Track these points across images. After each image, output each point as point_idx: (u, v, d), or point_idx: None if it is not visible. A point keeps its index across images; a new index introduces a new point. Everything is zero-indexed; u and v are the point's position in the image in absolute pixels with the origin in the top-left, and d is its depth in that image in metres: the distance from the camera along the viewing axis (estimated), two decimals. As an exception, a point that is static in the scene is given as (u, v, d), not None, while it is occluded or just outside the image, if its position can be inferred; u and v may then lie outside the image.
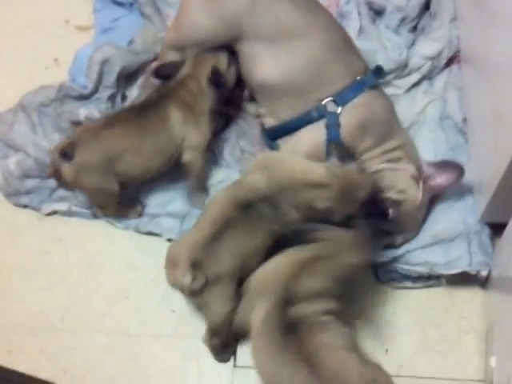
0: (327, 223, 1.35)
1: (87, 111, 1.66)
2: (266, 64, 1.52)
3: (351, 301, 1.50)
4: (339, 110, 1.50)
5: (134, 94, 1.73)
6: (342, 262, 1.30)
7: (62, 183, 1.54)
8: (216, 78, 1.55)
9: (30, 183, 1.65)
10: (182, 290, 1.36)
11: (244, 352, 1.48)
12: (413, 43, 1.75)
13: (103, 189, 1.52)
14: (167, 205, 1.63)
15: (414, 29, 1.78)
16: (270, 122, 1.60)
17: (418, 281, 1.51)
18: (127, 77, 1.72)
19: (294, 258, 1.30)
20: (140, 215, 1.62)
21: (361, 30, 1.77)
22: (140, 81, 1.74)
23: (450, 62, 1.73)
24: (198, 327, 1.49)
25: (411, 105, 1.69)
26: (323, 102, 1.51)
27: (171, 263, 1.38)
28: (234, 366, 1.48)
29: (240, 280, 1.37)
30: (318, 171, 1.36)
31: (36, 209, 1.66)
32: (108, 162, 1.49)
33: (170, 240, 1.59)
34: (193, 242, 1.35)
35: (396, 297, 1.50)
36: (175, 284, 1.38)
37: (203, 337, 1.46)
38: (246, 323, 1.31)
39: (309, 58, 1.50)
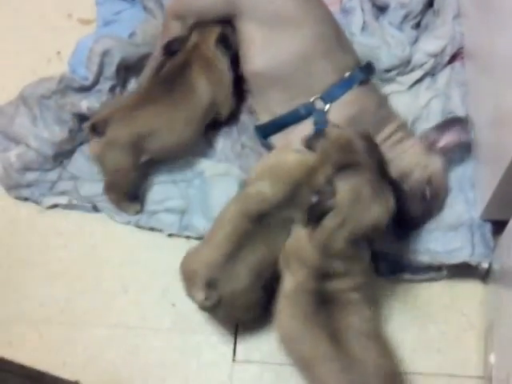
0: None
1: (89, 103, 1.65)
2: (257, 49, 1.52)
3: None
4: (327, 107, 1.49)
5: (134, 86, 1.73)
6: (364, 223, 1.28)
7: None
8: (224, 41, 1.58)
9: (30, 176, 1.65)
10: (197, 305, 1.36)
11: (243, 346, 1.49)
12: (416, 40, 1.75)
13: (124, 169, 1.54)
14: (165, 201, 1.62)
15: (418, 25, 1.78)
16: (264, 117, 1.59)
17: (417, 273, 1.51)
18: (127, 69, 1.72)
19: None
20: (138, 213, 1.62)
21: (364, 27, 1.77)
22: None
23: (453, 58, 1.72)
24: (197, 321, 1.49)
25: (414, 100, 1.69)
26: (311, 100, 1.50)
27: (187, 278, 1.36)
28: (233, 360, 1.48)
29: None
30: (309, 157, 1.34)
31: (37, 202, 1.66)
32: (137, 141, 1.52)
33: (170, 235, 1.60)
34: (209, 261, 1.33)
35: (395, 293, 1.50)
36: (190, 296, 1.37)
37: None
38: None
39: (298, 49, 1.49)
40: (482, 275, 1.49)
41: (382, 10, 1.79)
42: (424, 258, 1.49)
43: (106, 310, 1.55)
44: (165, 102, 1.54)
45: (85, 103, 1.66)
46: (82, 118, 1.67)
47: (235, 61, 1.60)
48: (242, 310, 1.41)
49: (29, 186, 1.66)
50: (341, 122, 1.44)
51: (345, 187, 1.27)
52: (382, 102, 1.58)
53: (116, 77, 1.69)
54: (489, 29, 1.46)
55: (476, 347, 1.46)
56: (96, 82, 1.68)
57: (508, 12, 1.31)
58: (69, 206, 1.65)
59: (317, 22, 1.51)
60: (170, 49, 1.61)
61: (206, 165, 1.66)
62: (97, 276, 1.58)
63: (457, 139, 1.52)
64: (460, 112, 1.63)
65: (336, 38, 1.53)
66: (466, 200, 1.54)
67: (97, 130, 1.51)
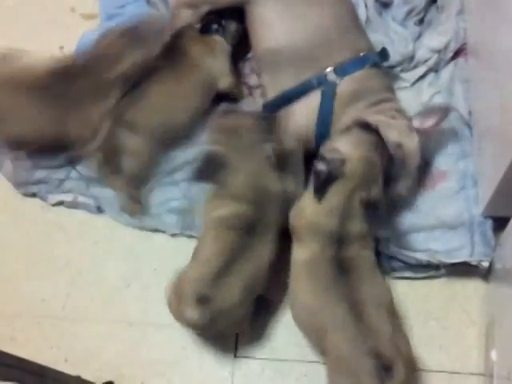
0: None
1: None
2: (274, 25, 1.55)
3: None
4: (338, 81, 1.52)
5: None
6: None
7: None
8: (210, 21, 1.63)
9: (40, 174, 1.66)
10: (187, 324, 1.34)
11: (244, 343, 1.49)
12: (419, 36, 1.74)
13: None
14: (167, 203, 1.62)
15: (421, 21, 1.77)
16: (271, 93, 1.60)
17: (418, 271, 1.51)
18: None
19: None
20: (139, 215, 1.61)
21: (367, 22, 1.76)
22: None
23: (456, 54, 1.72)
24: (199, 317, 1.50)
25: (417, 96, 1.69)
26: (326, 70, 1.52)
27: (176, 296, 1.34)
28: (235, 356, 1.48)
29: None
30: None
31: (43, 198, 1.66)
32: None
33: (173, 235, 1.60)
34: (199, 277, 1.32)
35: (397, 290, 1.50)
36: (178, 318, 1.35)
37: None
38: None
39: (318, 25, 1.52)
40: (483, 274, 1.49)
41: (385, 5, 1.78)
42: (423, 257, 1.48)
43: (108, 305, 1.55)
44: (171, 80, 1.57)
45: None
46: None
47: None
48: (234, 324, 1.40)
49: (36, 183, 1.66)
50: (345, 95, 1.49)
51: (354, 155, 1.32)
52: (388, 87, 1.60)
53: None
54: (492, 25, 1.45)
55: (477, 344, 1.45)
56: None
57: (511, 7, 1.30)
58: (73, 204, 1.65)
59: (337, 2, 1.56)
60: (208, 26, 1.63)
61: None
62: (99, 272, 1.59)
63: (436, 123, 1.53)
64: (463, 108, 1.62)
65: (352, 20, 1.58)
66: (466, 198, 1.54)
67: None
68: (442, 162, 1.59)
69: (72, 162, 1.66)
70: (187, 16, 1.64)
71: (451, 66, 1.71)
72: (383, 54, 1.59)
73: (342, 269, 1.31)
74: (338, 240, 1.32)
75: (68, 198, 1.65)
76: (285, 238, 1.41)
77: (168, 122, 1.58)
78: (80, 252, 1.61)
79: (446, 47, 1.70)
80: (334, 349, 1.28)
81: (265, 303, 1.46)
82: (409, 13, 1.75)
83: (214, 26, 1.63)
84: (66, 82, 1.55)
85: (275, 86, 1.59)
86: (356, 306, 1.27)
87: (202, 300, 1.28)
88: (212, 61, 1.62)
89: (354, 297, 1.28)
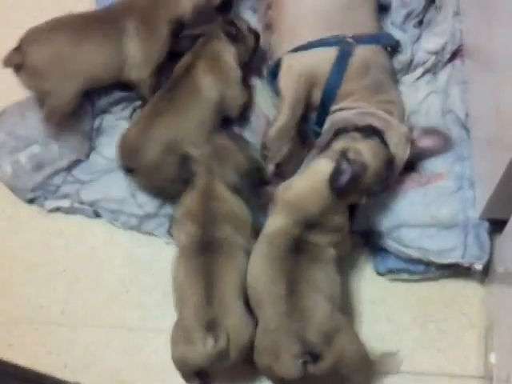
0: None
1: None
2: None
3: (349, 296, 1.51)
4: (354, 46, 1.57)
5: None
6: None
7: None
8: (230, 35, 1.63)
9: (38, 178, 1.65)
10: (208, 360, 1.30)
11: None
12: (418, 38, 1.74)
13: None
14: (164, 206, 1.62)
15: (420, 23, 1.77)
16: (284, 48, 1.61)
17: (414, 274, 1.52)
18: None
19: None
20: None
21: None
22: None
23: (453, 56, 1.71)
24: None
25: (413, 93, 1.69)
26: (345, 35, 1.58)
27: (186, 340, 1.33)
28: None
29: None
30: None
31: (40, 204, 1.66)
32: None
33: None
34: (194, 307, 1.32)
35: (396, 293, 1.50)
36: (196, 359, 1.32)
37: None
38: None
39: None
40: (477, 276, 1.49)
41: (384, 9, 1.78)
42: (415, 254, 1.48)
43: (107, 311, 1.55)
44: (172, 110, 1.55)
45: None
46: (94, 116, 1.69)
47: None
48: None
49: (34, 189, 1.66)
50: (359, 61, 1.57)
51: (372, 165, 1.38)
52: (392, 72, 1.67)
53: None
54: (489, 26, 1.45)
55: (476, 347, 1.45)
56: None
57: (507, 9, 1.30)
58: (70, 210, 1.65)
59: None
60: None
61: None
62: (97, 277, 1.59)
63: (433, 148, 1.58)
64: (460, 110, 1.62)
65: (376, 7, 1.68)
66: (462, 199, 1.54)
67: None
68: (438, 164, 1.58)
69: (70, 167, 1.66)
70: None
71: (449, 67, 1.71)
72: (396, 42, 1.68)
73: (298, 249, 1.34)
74: (310, 224, 1.35)
75: (65, 203, 1.65)
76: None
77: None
78: (78, 257, 1.61)
79: (443, 49, 1.70)
80: (263, 321, 1.31)
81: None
82: (408, 15, 1.75)
83: (233, 30, 1.62)
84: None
85: (290, 41, 1.61)
86: (295, 286, 1.29)
87: (210, 326, 1.29)
88: (224, 87, 1.60)
89: (297, 277, 1.30)
